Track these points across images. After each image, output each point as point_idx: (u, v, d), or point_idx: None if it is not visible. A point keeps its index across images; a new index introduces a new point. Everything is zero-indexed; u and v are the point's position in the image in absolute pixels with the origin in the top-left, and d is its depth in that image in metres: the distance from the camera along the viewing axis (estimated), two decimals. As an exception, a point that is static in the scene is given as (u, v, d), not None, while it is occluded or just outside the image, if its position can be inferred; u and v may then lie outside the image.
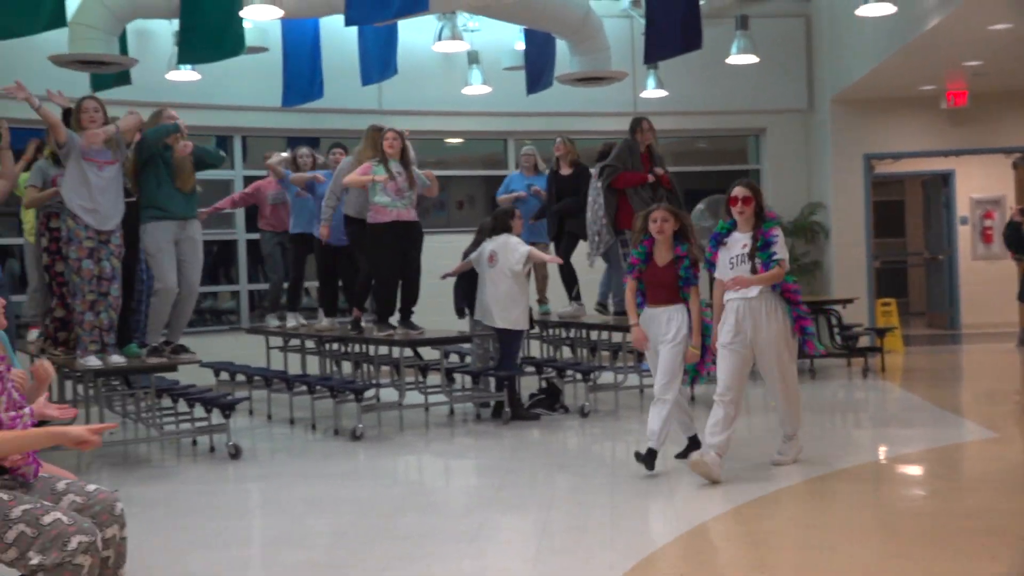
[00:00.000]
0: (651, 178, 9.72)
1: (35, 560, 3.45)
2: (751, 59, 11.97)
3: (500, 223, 9.31)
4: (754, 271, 6.47)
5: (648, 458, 6.68)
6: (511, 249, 9.13)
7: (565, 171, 10.54)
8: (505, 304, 9.09)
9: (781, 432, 6.99)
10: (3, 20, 8.19)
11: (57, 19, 8.25)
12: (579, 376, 9.88)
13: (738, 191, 6.59)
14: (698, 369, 6.86)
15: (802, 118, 14.73)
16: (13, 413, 3.75)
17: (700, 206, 13.00)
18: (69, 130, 7.60)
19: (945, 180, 15.74)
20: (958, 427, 8.51)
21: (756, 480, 6.55)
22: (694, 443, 7.00)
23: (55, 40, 8.95)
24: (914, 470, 7.22)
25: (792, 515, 5.86)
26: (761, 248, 6.49)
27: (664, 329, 6.75)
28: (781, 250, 6.49)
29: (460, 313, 9.89)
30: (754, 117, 14.68)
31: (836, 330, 12.00)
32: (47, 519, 3.49)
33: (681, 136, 14.87)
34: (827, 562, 4.84)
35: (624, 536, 5.42)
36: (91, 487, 3.88)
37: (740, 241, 6.58)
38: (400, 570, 4.91)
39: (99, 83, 9.97)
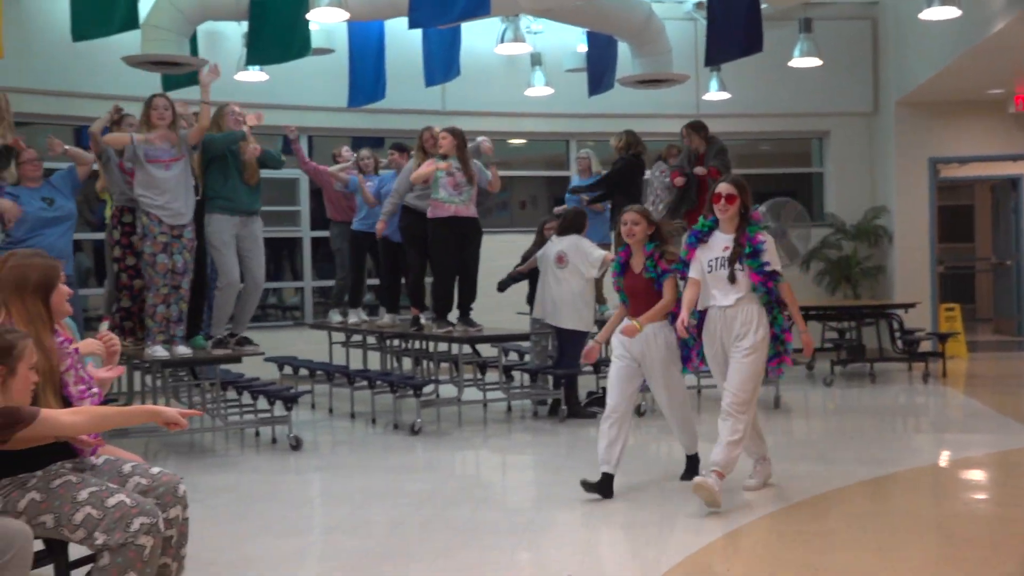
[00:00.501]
0: (680, 181, 9.81)
1: (100, 540, 3.61)
2: (814, 62, 11.92)
3: (571, 224, 9.36)
4: (733, 278, 5.97)
5: (600, 486, 6.22)
6: (585, 252, 9.20)
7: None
8: (574, 305, 9.16)
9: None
10: (79, 23, 8.47)
11: (130, 22, 8.50)
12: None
13: (722, 188, 6.07)
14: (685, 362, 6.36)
15: (866, 121, 14.61)
16: (82, 387, 3.93)
17: (762, 208, 12.99)
18: (132, 134, 7.84)
19: (1014, 185, 15.52)
20: (1020, 434, 8.43)
21: (810, 479, 6.57)
22: (693, 462, 6.69)
23: (129, 41, 9.21)
24: (972, 475, 7.17)
25: (845, 515, 5.87)
26: (750, 255, 5.97)
27: (652, 346, 6.29)
28: (774, 258, 6.02)
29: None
30: (818, 120, 14.60)
31: (897, 334, 11.92)
32: (111, 501, 3.65)
33: (744, 139, 14.83)
34: (878, 562, 4.87)
35: (672, 533, 5.49)
36: (155, 469, 4.05)
37: (722, 242, 6.08)
38: (454, 559, 5.04)
39: (170, 83, 10.22)
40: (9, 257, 4.11)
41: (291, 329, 12.73)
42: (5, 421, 3.34)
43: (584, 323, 9.27)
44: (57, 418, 3.55)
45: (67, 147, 8.15)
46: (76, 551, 3.80)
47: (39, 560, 3.99)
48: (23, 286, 3.87)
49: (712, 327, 6.09)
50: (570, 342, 9.25)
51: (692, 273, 6.11)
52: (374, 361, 11.11)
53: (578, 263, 9.15)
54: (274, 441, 8.47)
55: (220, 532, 5.60)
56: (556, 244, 9.31)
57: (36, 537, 3.77)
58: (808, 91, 14.04)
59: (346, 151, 11.12)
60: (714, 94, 13.15)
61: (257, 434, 8.81)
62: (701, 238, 6.14)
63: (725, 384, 6.04)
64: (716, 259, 6.03)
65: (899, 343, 11.93)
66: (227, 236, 8.20)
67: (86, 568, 4.19)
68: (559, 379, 9.33)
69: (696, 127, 10.02)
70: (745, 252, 5.95)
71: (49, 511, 3.64)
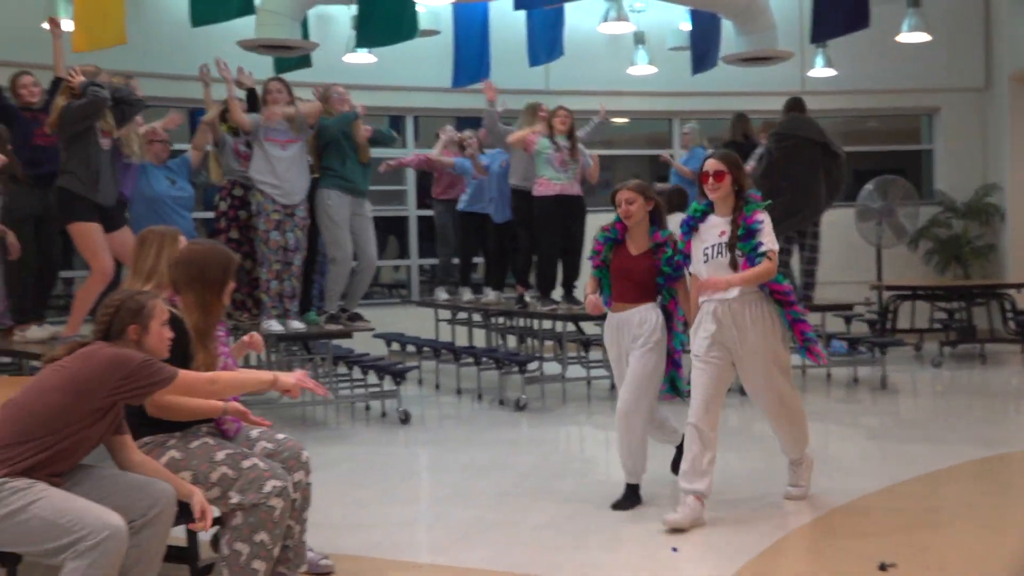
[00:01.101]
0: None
1: (235, 500, 3.82)
2: (923, 37, 11.72)
3: (673, 202, 9.37)
4: (734, 265, 5.17)
5: (626, 501, 5.61)
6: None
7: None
8: None
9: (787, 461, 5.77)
10: (199, 9, 8.77)
11: (247, 6, 8.78)
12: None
13: (709, 164, 5.27)
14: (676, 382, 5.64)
15: (978, 97, 14.27)
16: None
17: (869, 186, 12.84)
18: (252, 114, 8.10)
19: None
20: None
21: (918, 459, 6.54)
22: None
23: (243, 25, 9.48)
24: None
25: (952, 495, 5.84)
26: (743, 237, 5.16)
27: (636, 332, 5.56)
28: (769, 240, 5.14)
29: None
30: (927, 96, 14.31)
31: (1009, 315, 11.68)
32: (246, 464, 3.86)
33: (851, 115, 14.63)
34: (987, 541, 4.86)
35: (780, 509, 5.54)
36: (280, 435, 4.25)
37: (717, 227, 5.28)
38: (561, 529, 5.17)
39: (282, 66, 10.52)
40: (152, 236, 4.34)
41: (397, 306, 12.98)
42: (148, 377, 3.54)
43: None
44: (195, 380, 3.75)
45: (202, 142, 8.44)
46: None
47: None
48: (202, 277, 4.07)
49: (709, 326, 5.26)
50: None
51: (693, 268, 5.40)
52: (479, 338, 11.29)
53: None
54: (383, 415, 8.71)
55: (336, 499, 5.81)
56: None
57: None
58: (917, 66, 13.77)
59: (449, 129, 11.26)
60: (819, 70, 13.01)
61: (367, 408, 9.05)
62: (694, 225, 5.36)
63: (750, 395, 5.53)
64: (712, 246, 5.26)
65: (1011, 324, 11.69)
66: (341, 216, 8.42)
67: (213, 529, 4.43)
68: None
69: (788, 105, 9.87)
70: (740, 233, 5.17)
71: (187, 469, 3.86)
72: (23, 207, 7.39)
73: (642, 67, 13.04)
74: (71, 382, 3.45)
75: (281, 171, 8.04)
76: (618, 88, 13.57)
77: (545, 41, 11.05)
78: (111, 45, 9.03)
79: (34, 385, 3.53)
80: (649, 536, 5.05)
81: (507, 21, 11.48)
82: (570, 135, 9.14)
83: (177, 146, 9.06)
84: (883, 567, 4.36)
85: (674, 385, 5.64)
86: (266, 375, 4.00)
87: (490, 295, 10.62)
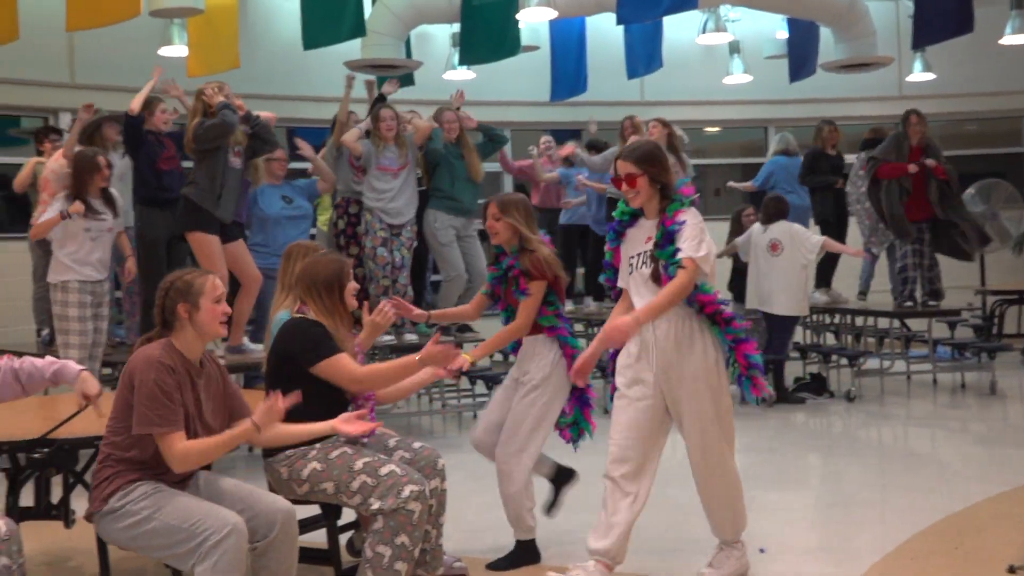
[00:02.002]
0: (912, 168, 9.62)
1: (375, 505, 4.00)
2: (1027, 39, 11.57)
3: (776, 211, 9.43)
4: (656, 277, 4.30)
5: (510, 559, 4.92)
6: (802, 238, 9.29)
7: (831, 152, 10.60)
8: (790, 291, 9.23)
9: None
10: (311, 32, 9.06)
11: (358, 29, 9.05)
12: (845, 362, 9.96)
13: (619, 165, 4.41)
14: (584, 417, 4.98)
15: (1083, 98, 14.02)
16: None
17: (971, 191, 12.69)
18: (364, 141, 8.34)
19: None
20: None
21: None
22: (561, 475, 5.34)
23: (348, 46, 9.75)
24: None
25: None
26: (661, 243, 4.31)
27: (524, 367, 4.95)
28: (690, 244, 4.21)
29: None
30: (1028, 98, 14.10)
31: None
32: (384, 470, 4.05)
33: (949, 119, 14.47)
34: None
35: (895, 512, 5.58)
36: (417, 444, 4.44)
37: (646, 231, 4.43)
38: (682, 532, 5.31)
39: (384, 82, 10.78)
40: (297, 250, 4.59)
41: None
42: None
43: (798, 308, 9.34)
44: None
45: (316, 157, 8.64)
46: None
47: (311, 524, 4.46)
48: (316, 284, 4.28)
49: (631, 347, 4.41)
50: (780, 328, 9.34)
51: (620, 281, 4.55)
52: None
53: (794, 250, 9.22)
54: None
55: (459, 505, 5.97)
56: (766, 232, 9.37)
57: (315, 502, 4.22)
58: (1017, 68, 13.57)
59: (545, 140, 11.37)
60: (918, 75, 12.90)
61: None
62: (621, 231, 4.52)
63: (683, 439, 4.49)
64: (638, 255, 4.43)
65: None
66: (451, 234, 8.63)
67: (347, 534, 4.66)
68: (767, 364, 9.43)
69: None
70: (657, 239, 4.33)
71: (329, 479, 4.06)
72: (154, 229, 7.63)
73: (737, 76, 13.08)
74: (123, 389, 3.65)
75: (390, 197, 8.28)
76: (713, 97, 13.64)
77: (644, 54, 11.18)
78: (225, 69, 9.40)
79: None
80: (767, 539, 5.14)
81: (603, 34, 11.63)
82: (670, 146, 9.24)
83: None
84: (1012, 570, 4.40)
85: (579, 427, 4.96)
86: (323, 427, 4.00)
87: (591, 305, 10.75)
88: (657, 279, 4.29)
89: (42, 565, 5.15)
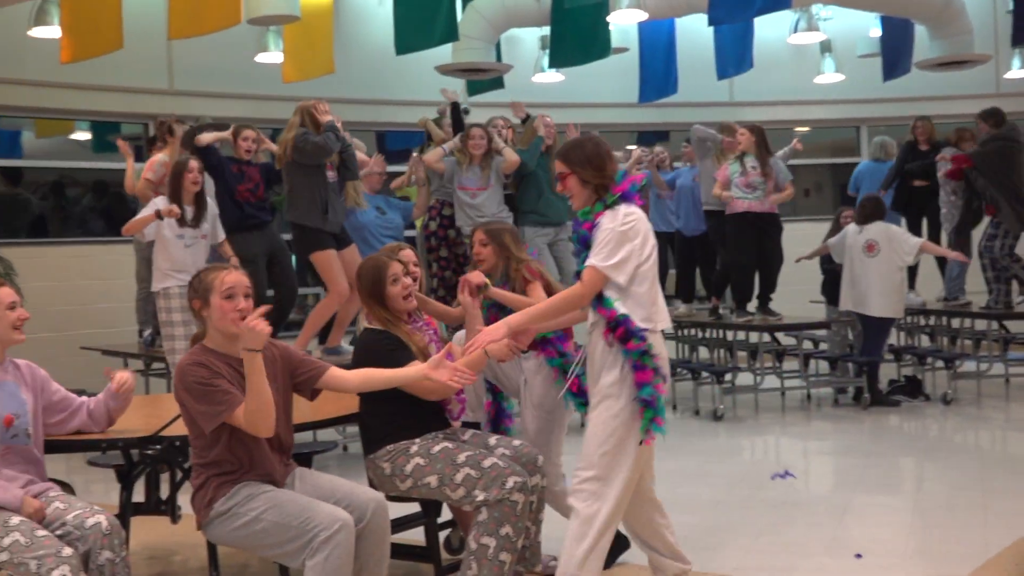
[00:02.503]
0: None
1: (480, 497, 4.05)
2: None
3: (873, 211, 9.31)
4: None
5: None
6: (901, 240, 9.18)
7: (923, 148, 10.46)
8: (886, 292, 9.10)
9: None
10: (403, 37, 9.18)
11: (450, 33, 9.15)
12: (940, 364, 9.81)
13: (555, 165, 4.21)
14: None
15: None
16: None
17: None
18: (449, 159, 8.43)
19: None
20: None
21: None
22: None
23: (438, 50, 9.86)
24: None
25: None
26: (577, 249, 4.14)
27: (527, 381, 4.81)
28: (599, 249, 3.89)
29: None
30: None
31: None
32: (487, 463, 4.10)
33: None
34: None
35: (997, 516, 5.50)
36: (517, 442, 4.48)
37: None
38: (780, 535, 5.28)
39: (474, 88, 10.91)
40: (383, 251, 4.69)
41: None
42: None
43: (893, 310, 9.21)
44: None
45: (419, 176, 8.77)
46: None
47: (409, 522, 4.54)
48: (364, 288, 4.36)
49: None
50: (875, 330, 9.22)
51: None
52: (670, 351, 11.35)
53: (892, 251, 9.10)
54: (582, 426, 8.87)
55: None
56: (862, 232, 9.25)
57: (417, 498, 4.30)
58: (1120, 64, 13.21)
59: (628, 148, 11.44)
60: (1016, 72, 12.63)
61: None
62: (585, 235, 4.09)
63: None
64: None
65: None
66: (541, 244, 8.67)
67: (445, 532, 4.73)
68: (862, 366, 9.34)
69: (984, 115, 9.70)
70: (572, 239, 4.28)
71: (432, 473, 4.13)
72: (248, 249, 7.59)
73: (829, 75, 12.93)
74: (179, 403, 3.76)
75: (471, 212, 8.36)
76: (803, 97, 13.48)
77: (734, 54, 11.11)
78: (320, 75, 9.59)
79: None
80: (871, 542, 5.11)
81: (692, 34, 11.58)
82: (760, 154, 9.18)
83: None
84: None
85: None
86: (414, 370, 4.01)
87: (681, 308, 10.73)
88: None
89: (149, 559, 5.32)
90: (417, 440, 4.25)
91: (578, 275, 3.99)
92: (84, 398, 4.10)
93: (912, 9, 10.12)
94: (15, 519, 3.49)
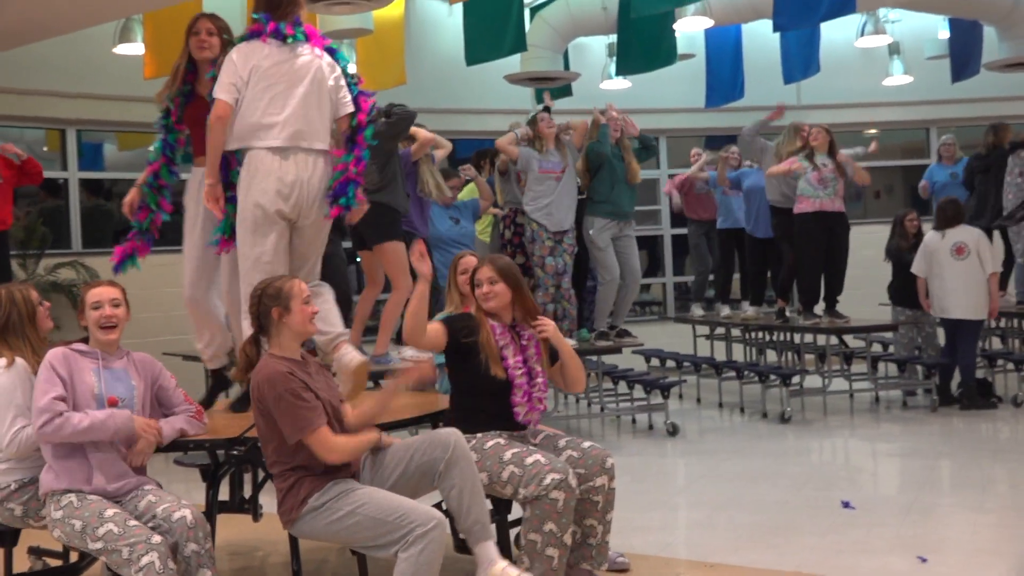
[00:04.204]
0: None
1: (521, 494, 4.20)
2: None
3: (953, 213, 9.26)
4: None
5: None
6: (990, 248, 9.17)
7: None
8: (969, 294, 9.06)
9: None
10: (474, 49, 9.41)
11: (519, 44, 9.34)
12: (1011, 366, 9.77)
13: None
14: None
15: None
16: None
17: None
18: (522, 147, 8.58)
19: None
20: None
21: None
22: None
23: (507, 60, 10.06)
24: None
25: None
26: None
27: None
28: None
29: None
30: None
31: None
32: (529, 460, 4.23)
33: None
34: None
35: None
36: (586, 444, 4.60)
37: None
38: (844, 535, 5.36)
39: (542, 96, 11.06)
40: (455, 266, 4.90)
41: (653, 323, 13.32)
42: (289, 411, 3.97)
43: (974, 312, 9.12)
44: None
45: (478, 176, 8.91)
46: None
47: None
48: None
49: None
50: (970, 332, 9.17)
51: None
52: (736, 353, 11.46)
53: (982, 255, 9.06)
54: (650, 427, 9.04)
55: (622, 504, 6.12)
56: (946, 237, 9.16)
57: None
58: None
59: (696, 152, 11.52)
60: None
61: (633, 421, 9.42)
62: None
63: None
64: None
65: None
66: (607, 238, 8.83)
67: (516, 529, 4.87)
68: (929, 368, 9.34)
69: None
70: None
71: (483, 470, 4.26)
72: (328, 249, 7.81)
73: (897, 77, 12.90)
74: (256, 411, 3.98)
75: (553, 201, 8.51)
76: (871, 99, 13.48)
77: (800, 58, 11.15)
78: (392, 86, 9.83)
79: None
80: (937, 543, 5.18)
81: (759, 37, 11.64)
82: (830, 152, 9.25)
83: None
84: None
85: None
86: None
87: (748, 310, 10.79)
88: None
89: (232, 555, 5.55)
90: (478, 435, 4.40)
91: None
92: (187, 406, 4.37)
93: (979, 11, 10.11)
94: (110, 511, 3.79)
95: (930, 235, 9.32)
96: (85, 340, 4.19)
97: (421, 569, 3.70)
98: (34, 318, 4.40)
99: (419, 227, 7.65)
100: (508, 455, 4.27)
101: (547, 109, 9.13)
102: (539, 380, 4.60)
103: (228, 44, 5.06)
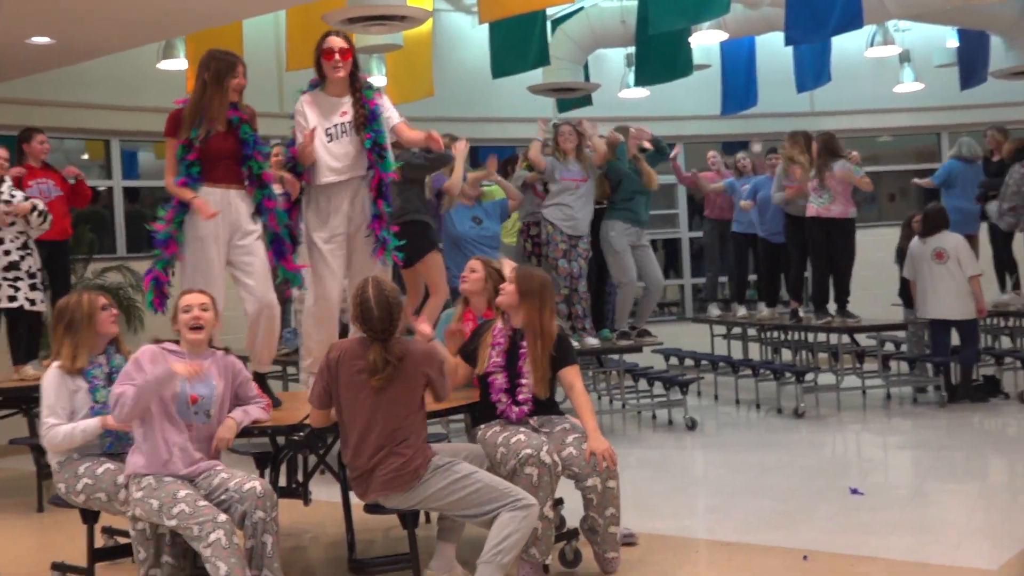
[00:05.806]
0: None
1: (503, 470, 4.64)
2: None
3: (939, 220, 9.65)
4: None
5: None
6: (970, 254, 9.56)
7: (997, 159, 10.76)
8: (954, 296, 9.45)
9: None
10: (499, 62, 9.84)
11: (542, 58, 9.77)
12: (1019, 364, 10.12)
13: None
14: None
15: None
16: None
17: None
18: (548, 157, 8.98)
19: None
20: None
21: None
22: None
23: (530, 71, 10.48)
24: None
25: None
26: None
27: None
28: None
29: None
30: None
31: None
32: (513, 439, 4.68)
33: None
34: None
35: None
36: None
37: None
38: (849, 518, 5.77)
39: (564, 106, 11.51)
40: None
41: (671, 323, 13.72)
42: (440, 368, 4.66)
43: (960, 311, 9.49)
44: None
45: (501, 179, 9.27)
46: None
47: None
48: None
49: None
50: (970, 330, 9.56)
51: None
52: (752, 352, 11.82)
53: (962, 262, 9.45)
54: (670, 422, 9.44)
55: (644, 491, 6.57)
56: (927, 244, 9.57)
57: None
58: None
59: (712, 155, 11.88)
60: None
61: (653, 416, 9.81)
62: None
63: None
64: None
65: None
66: (626, 242, 9.23)
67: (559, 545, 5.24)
68: (938, 366, 9.70)
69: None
70: None
71: (487, 458, 4.75)
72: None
73: (908, 84, 13.25)
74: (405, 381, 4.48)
75: (572, 207, 8.90)
76: (883, 106, 13.81)
77: (812, 68, 11.51)
78: (421, 97, 10.26)
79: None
80: (934, 525, 5.58)
81: (772, 46, 11.98)
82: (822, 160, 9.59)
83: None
84: None
85: None
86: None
87: (763, 311, 11.15)
88: None
89: (284, 535, 5.93)
90: (481, 426, 4.93)
91: None
92: (259, 399, 4.83)
93: (986, 22, 10.45)
94: (182, 492, 4.26)
95: (914, 241, 9.74)
96: (177, 341, 4.63)
97: (522, 527, 4.26)
98: (92, 321, 4.83)
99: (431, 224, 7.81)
100: (500, 439, 4.74)
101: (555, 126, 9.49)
102: (523, 382, 4.90)
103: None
